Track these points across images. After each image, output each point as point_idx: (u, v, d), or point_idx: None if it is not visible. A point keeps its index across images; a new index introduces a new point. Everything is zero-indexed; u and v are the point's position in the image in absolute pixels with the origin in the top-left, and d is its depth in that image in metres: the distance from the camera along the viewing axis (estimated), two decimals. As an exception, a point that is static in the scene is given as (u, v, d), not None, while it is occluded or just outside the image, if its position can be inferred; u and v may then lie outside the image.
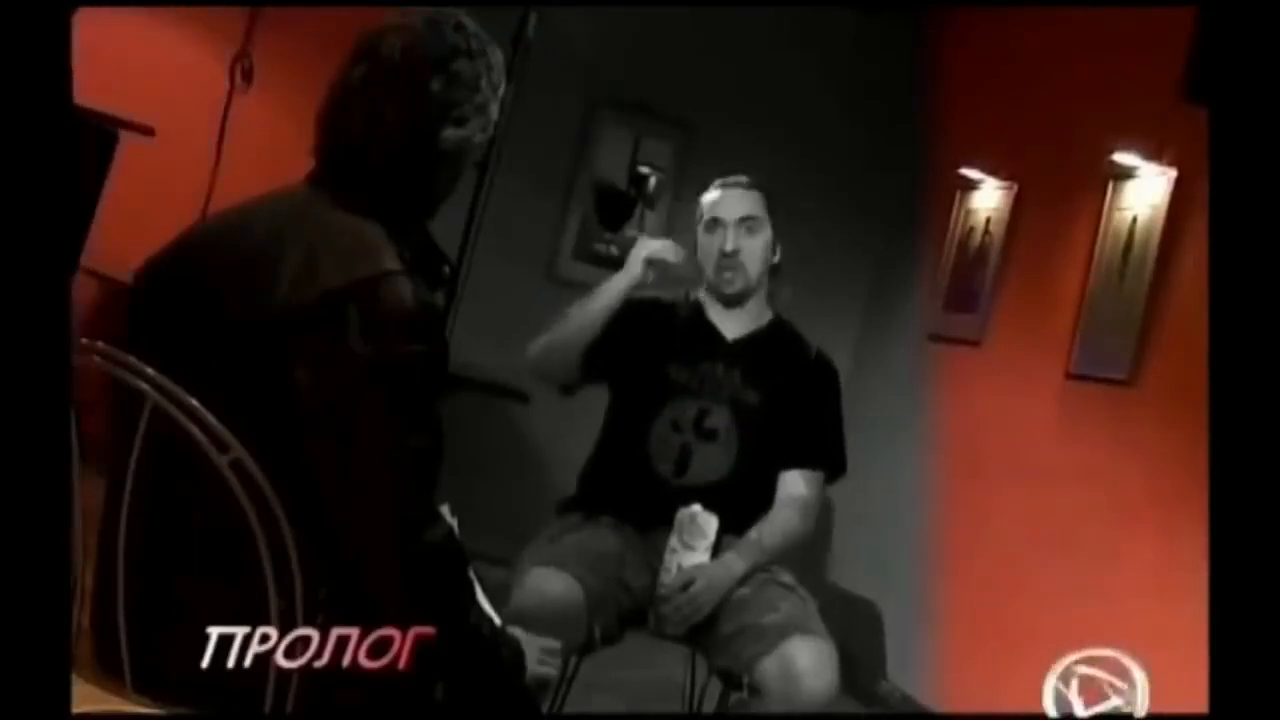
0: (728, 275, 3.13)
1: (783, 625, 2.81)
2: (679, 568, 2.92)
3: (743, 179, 3.21)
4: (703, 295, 3.22)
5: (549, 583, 2.82)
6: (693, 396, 3.09)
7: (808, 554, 3.32)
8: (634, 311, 3.13)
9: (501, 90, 2.05)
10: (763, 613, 2.85)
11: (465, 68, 1.99)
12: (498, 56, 2.05)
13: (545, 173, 5.57)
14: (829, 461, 3.16)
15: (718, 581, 2.90)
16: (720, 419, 3.07)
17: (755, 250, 3.13)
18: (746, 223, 3.13)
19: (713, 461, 3.06)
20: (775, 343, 3.19)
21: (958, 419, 5.21)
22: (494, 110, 2.04)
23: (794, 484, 3.09)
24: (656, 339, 3.14)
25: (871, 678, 5.15)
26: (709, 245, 3.15)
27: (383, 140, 1.96)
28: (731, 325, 3.18)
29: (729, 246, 3.11)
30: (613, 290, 3.08)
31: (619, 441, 3.14)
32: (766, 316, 3.21)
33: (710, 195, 3.19)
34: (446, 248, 2.12)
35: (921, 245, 5.74)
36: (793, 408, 3.12)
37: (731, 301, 3.16)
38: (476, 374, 5.04)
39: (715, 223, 3.14)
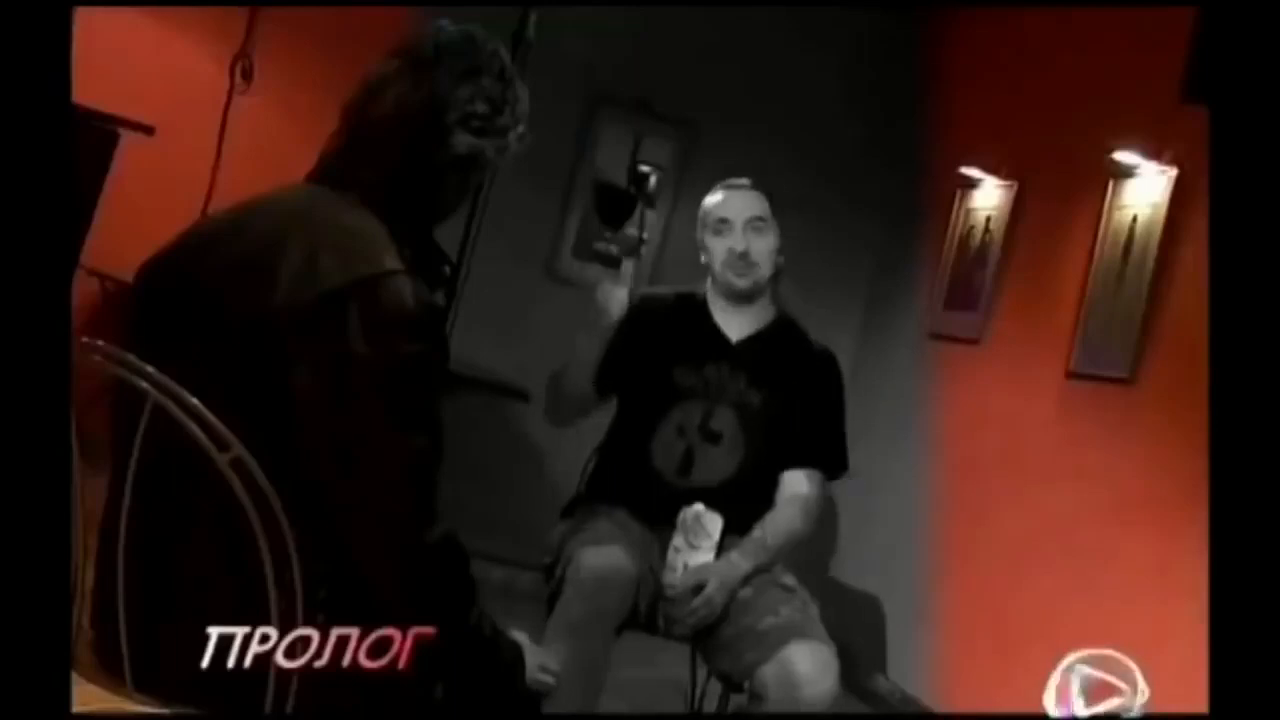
0: (740, 273, 3.11)
1: (782, 630, 2.80)
2: (684, 567, 2.93)
3: (745, 181, 3.21)
4: (709, 294, 3.20)
5: (601, 558, 2.83)
6: (698, 400, 3.08)
7: (809, 553, 3.32)
8: (640, 314, 3.11)
9: (521, 129, 2.07)
10: (763, 616, 2.85)
11: (493, 87, 2.02)
12: (525, 98, 2.08)
13: (545, 172, 5.57)
14: (831, 460, 3.16)
15: (728, 581, 2.90)
16: (725, 422, 3.07)
17: (764, 250, 3.13)
18: (755, 223, 3.12)
19: (716, 464, 3.06)
20: (780, 342, 3.18)
21: (958, 418, 5.21)
22: (511, 140, 2.06)
23: (796, 482, 3.09)
24: (662, 342, 3.13)
25: (870, 674, 5.15)
26: (717, 246, 3.14)
27: (403, 126, 1.97)
28: (736, 326, 3.16)
29: (740, 247, 3.10)
30: (597, 335, 3.01)
31: (623, 445, 3.15)
32: (770, 315, 3.20)
33: (715, 197, 3.19)
34: (446, 247, 2.13)
35: (922, 244, 5.74)
36: (796, 407, 3.12)
37: (742, 298, 3.15)
38: (477, 374, 5.04)
39: (724, 223, 3.13)
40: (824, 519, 3.21)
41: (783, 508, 3.07)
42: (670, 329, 3.16)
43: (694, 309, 3.19)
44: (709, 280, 3.20)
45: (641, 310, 3.12)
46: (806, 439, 3.12)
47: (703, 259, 3.19)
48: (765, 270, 3.13)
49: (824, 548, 5.60)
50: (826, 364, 3.22)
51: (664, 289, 3.28)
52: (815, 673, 2.74)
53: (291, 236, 1.89)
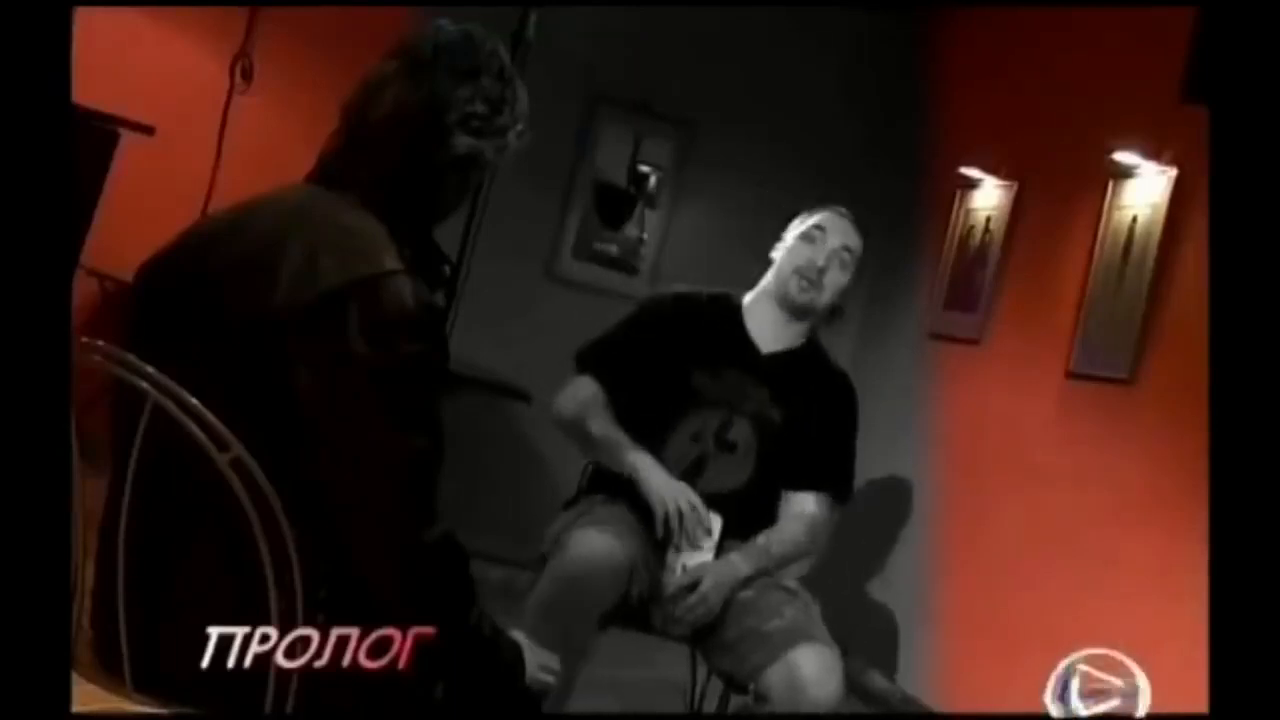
0: (806, 287, 3.11)
1: (787, 632, 2.80)
2: (683, 567, 2.92)
3: (852, 215, 3.22)
4: (748, 302, 3.18)
5: (593, 542, 2.82)
6: (718, 408, 3.06)
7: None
8: (670, 313, 3.10)
9: (520, 129, 2.07)
10: (767, 618, 2.84)
11: (492, 86, 2.02)
12: (525, 96, 2.08)
13: (545, 172, 5.57)
14: (839, 487, 3.15)
15: (724, 580, 2.89)
16: (742, 433, 3.06)
17: (838, 280, 3.14)
18: (844, 253, 3.15)
19: (728, 472, 3.04)
20: (807, 363, 3.17)
21: (958, 418, 5.21)
22: (511, 138, 2.06)
23: (804, 502, 3.08)
24: (687, 344, 3.10)
25: (869, 674, 5.15)
26: (800, 250, 3.13)
27: (402, 127, 1.97)
28: (770, 338, 3.15)
29: (821, 261, 3.11)
30: (643, 473, 2.97)
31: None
32: (803, 338, 3.19)
33: (820, 213, 3.19)
34: (446, 247, 2.13)
35: (921, 244, 5.74)
36: (812, 430, 3.10)
37: (794, 311, 3.13)
38: (477, 374, 5.04)
39: (820, 233, 3.14)
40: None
41: (789, 522, 3.06)
42: (698, 331, 3.13)
43: (727, 313, 3.17)
44: (769, 289, 3.16)
45: (671, 309, 3.11)
46: (819, 462, 3.11)
47: (773, 256, 3.18)
48: (826, 299, 3.13)
49: (823, 548, 5.59)
50: (845, 388, 3.22)
51: (699, 289, 3.25)
52: (821, 675, 2.74)
53: (291, 236, 1.89)
